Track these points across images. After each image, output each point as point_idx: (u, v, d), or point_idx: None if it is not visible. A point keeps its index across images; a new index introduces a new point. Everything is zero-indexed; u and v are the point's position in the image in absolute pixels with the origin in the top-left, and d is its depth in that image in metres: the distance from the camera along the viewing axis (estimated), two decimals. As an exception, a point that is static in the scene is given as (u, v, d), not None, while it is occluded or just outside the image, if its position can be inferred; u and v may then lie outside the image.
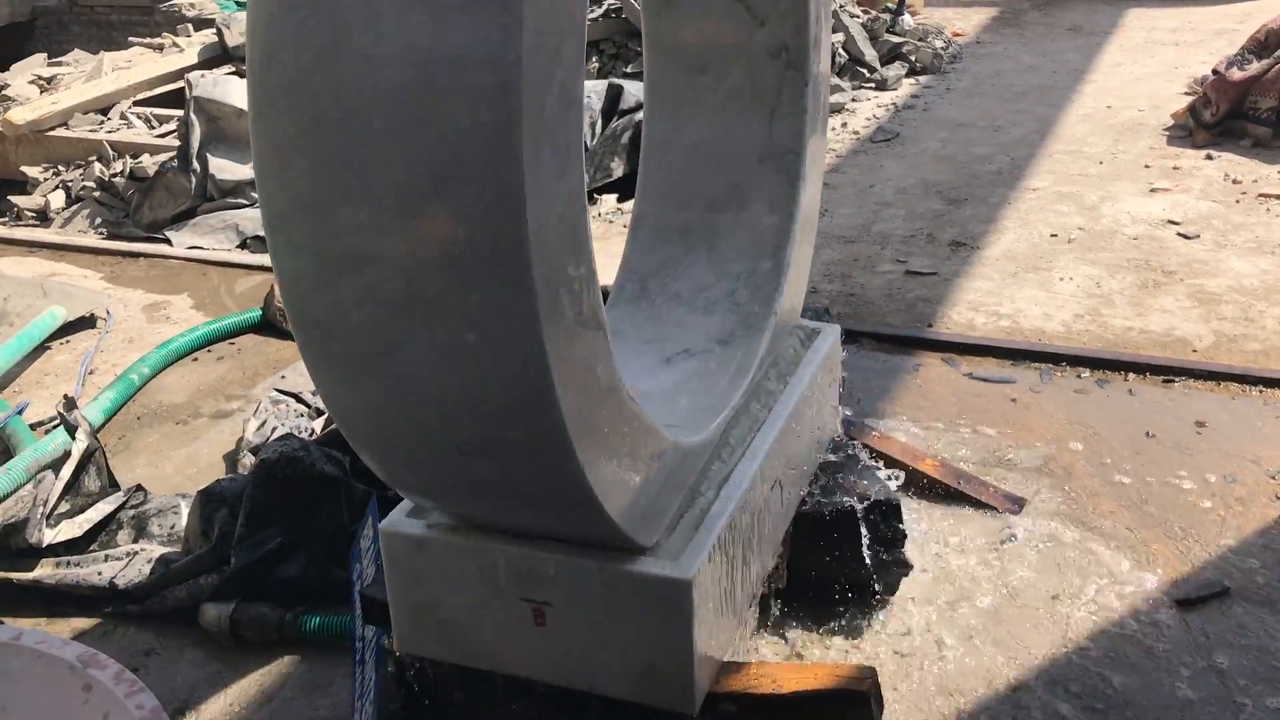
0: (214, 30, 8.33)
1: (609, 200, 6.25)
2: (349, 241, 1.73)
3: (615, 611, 2.19)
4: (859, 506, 2.86)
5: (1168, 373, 4.02)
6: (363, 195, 1.69)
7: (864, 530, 2.85)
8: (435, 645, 2.40)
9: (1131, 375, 4.04)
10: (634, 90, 6.50)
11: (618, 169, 6.28)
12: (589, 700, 2.34)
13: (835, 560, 2.87)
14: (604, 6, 7.80)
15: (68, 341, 4.92)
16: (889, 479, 3.08)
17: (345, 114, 1.65)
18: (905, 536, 2.92)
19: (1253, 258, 5.01)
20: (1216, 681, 2.68)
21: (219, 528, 3.17)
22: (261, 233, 5.84)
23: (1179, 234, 5.33)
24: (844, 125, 7.52)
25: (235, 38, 7.75)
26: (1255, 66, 6.62)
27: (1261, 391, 3.88)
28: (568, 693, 2.35)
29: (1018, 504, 3.34)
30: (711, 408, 2.60)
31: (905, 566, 2.93)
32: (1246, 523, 3.22)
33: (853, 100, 8.01)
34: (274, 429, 3.77)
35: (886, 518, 2.90)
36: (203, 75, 6.57)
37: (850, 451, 3.11)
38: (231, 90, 6.30)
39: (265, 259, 5.80)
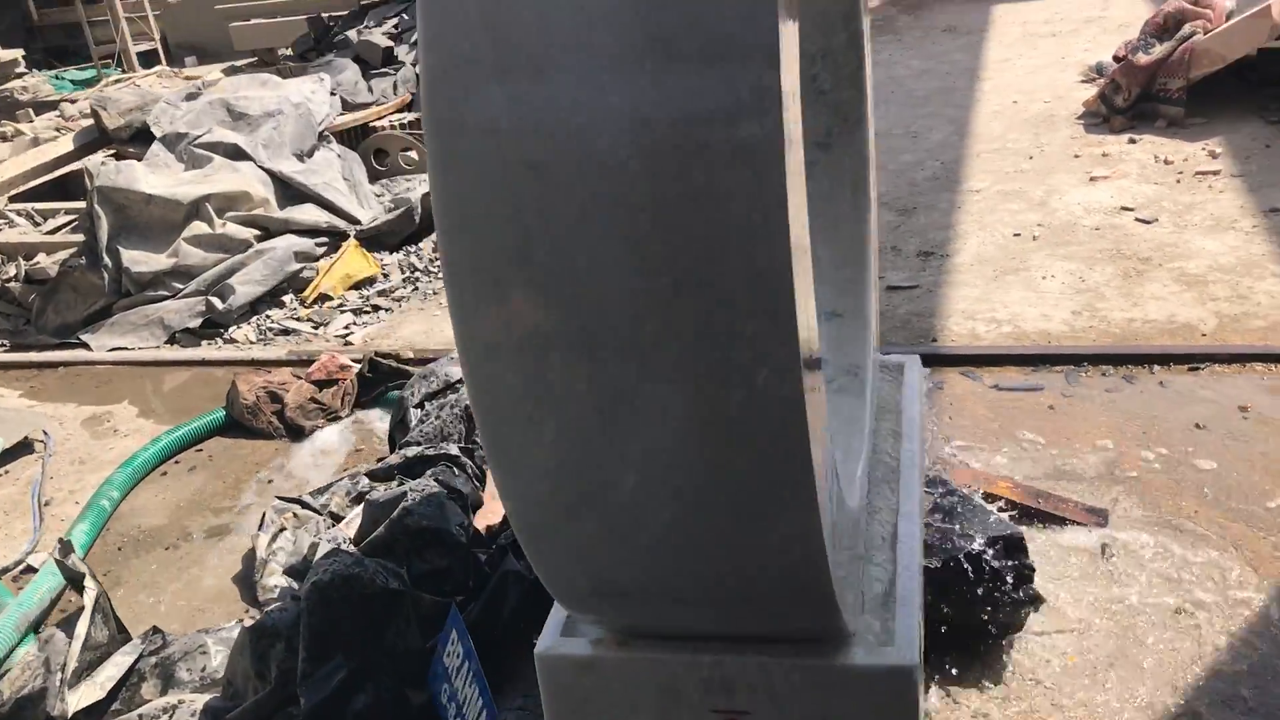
0: (89, 113, 7.78)
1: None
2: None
3: (828, 712, 1.98)
4: (985, 548, 2.71)
5: (1192, 360, 4.01)
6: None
7: (993, 569, 2.71)
8: (607, 774, 2.15)
9: (1157, 367, 4.02)
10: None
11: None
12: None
13: (968, 604, 2.72)
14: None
15: (6, 471, 4.45)
16: (998, 511, 2.95)
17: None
18: (1034, 570, 2.78)
19: (1217, 235, 5.08)
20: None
21: (277, 665, 2.83)
22: (193, 324, 5.44)
23: (1137, 219, 5.39)
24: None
25: (114, 119, 7.23)
26: (1160, 49, 6.80)
27: (1287, 368, 3.91)
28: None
29: (1102, 516, 3.25)
30: (845, 461, 2.41)
31: (1037, 601, 2.79)
32: (1332, 504, 3.20)
33: (763, 120, 7.95)
34: (293, 541, 3.43)
35: (1011, 553, 2.76)
36: (103, 163, 6.11)
37: (946, 487, 2.96)
38: (138, 176, 5.86)
39: (202, 353, 5.38)
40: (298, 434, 4.39)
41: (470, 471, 3.65)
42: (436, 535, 3.06)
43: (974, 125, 7.33)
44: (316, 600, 2.85)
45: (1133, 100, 6.80)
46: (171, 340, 5.61)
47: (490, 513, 3.54)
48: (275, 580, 3.35)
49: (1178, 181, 5.81)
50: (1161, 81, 6.74)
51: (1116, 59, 7.34)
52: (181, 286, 5.79)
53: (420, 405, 4.00)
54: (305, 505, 3.67)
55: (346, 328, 5.55)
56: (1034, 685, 2.70)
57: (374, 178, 7.04)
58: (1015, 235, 5.42)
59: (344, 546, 3.15)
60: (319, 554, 3.04)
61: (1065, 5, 10.62)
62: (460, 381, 4.04)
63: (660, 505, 1.69)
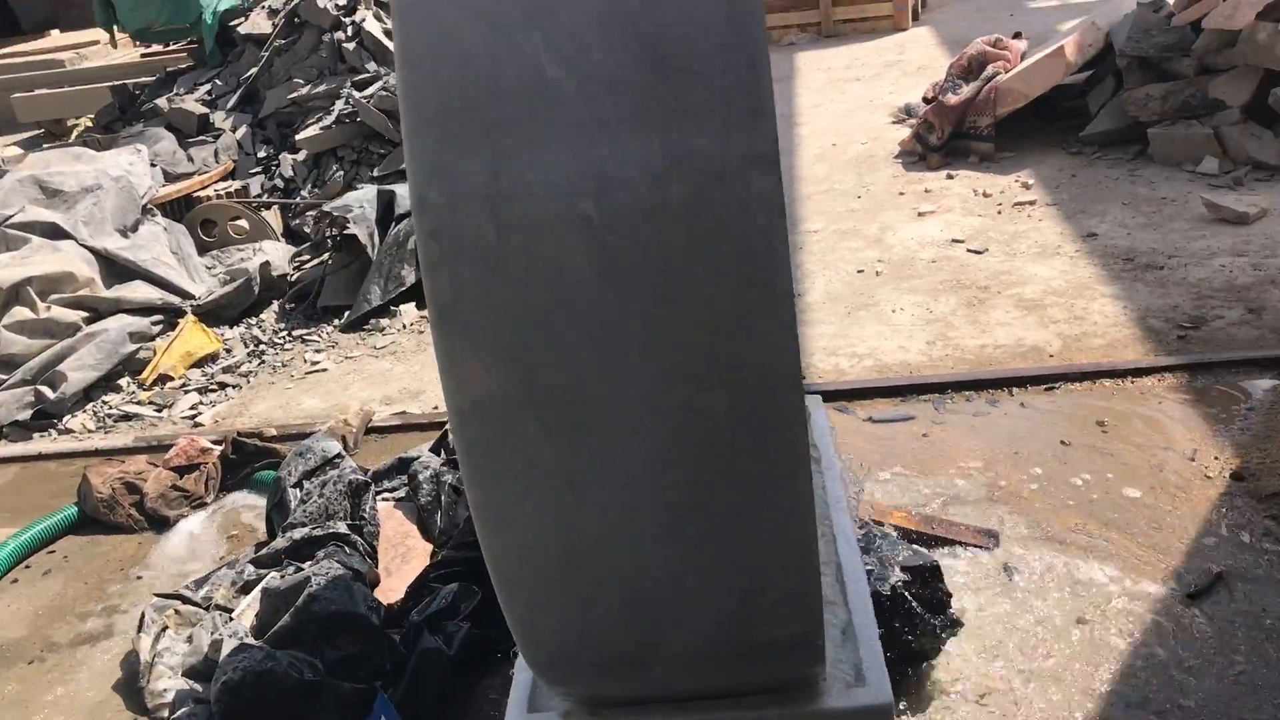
0: None
1: (409, 310, 5.90)
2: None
3: (802, 756, 1.99)
4: (904, 578, 2.79)
5: (1047, 380, 4.25)
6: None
7: (914, 597, 2.79)
8: None
9: (1015, 390, 4.24)
10: (406, 193, 6.21)
11: (409, 276, 5.96)
12: None
13: (893, 634, 2.78)
14: (334, 114, 7.43)
15: None
16: (908, 542, 3.04)
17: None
18: (951, 596, 2.87)
19: (1045, 261, 5.42)
20: (1260, 650, 2.81)
21: (192, 776, 2.66)
22: (21, 416, 5.09)
23: (969, 250, 5.70)
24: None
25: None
26: (967, 89, 7.23)
27: (1133, 382, 4.18)
28: None
29: (994, 537, 3.39)
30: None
31: (956, 625, 2.88)
32: (1196, 506, 3.43)
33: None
34: (183, 640, 3.23)
35: (928, 581, 2.85)
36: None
37: (857, 521, 3.03)
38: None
39: (36, 446, 5.03)
40: (161, 525, 4.14)
41: (362, 550, 3.53)
42: (348, 620, 2.94)
43: (799, 168, 7.61)
44: (229, 702, 2.69)
45: (946, 138, 7.20)
46: (-1, 435, 5.23)
47: (389, 590, 3.42)
48: (165, 684, 3.13)
49: (999, 213, 6.17)
50: (971, 120, 7.17)
51: (926, 100, 7.77)
52: (5, 377, 5.41)
53: (299, 484, 3.84)
54: (187, 600, 3.47)
55: (193, 408, 5.29)
56: (959, 705, 2.79)
57: (203, 250, 6.76)
58: (859, 272, 5.64)
59: (245, 640, 2.98)
60: (224, 651, 2.87)
61: (863, 51, 11.18)
62: (339, 457, 3.91)
63: (646, 553, 1.68)
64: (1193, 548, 3.26)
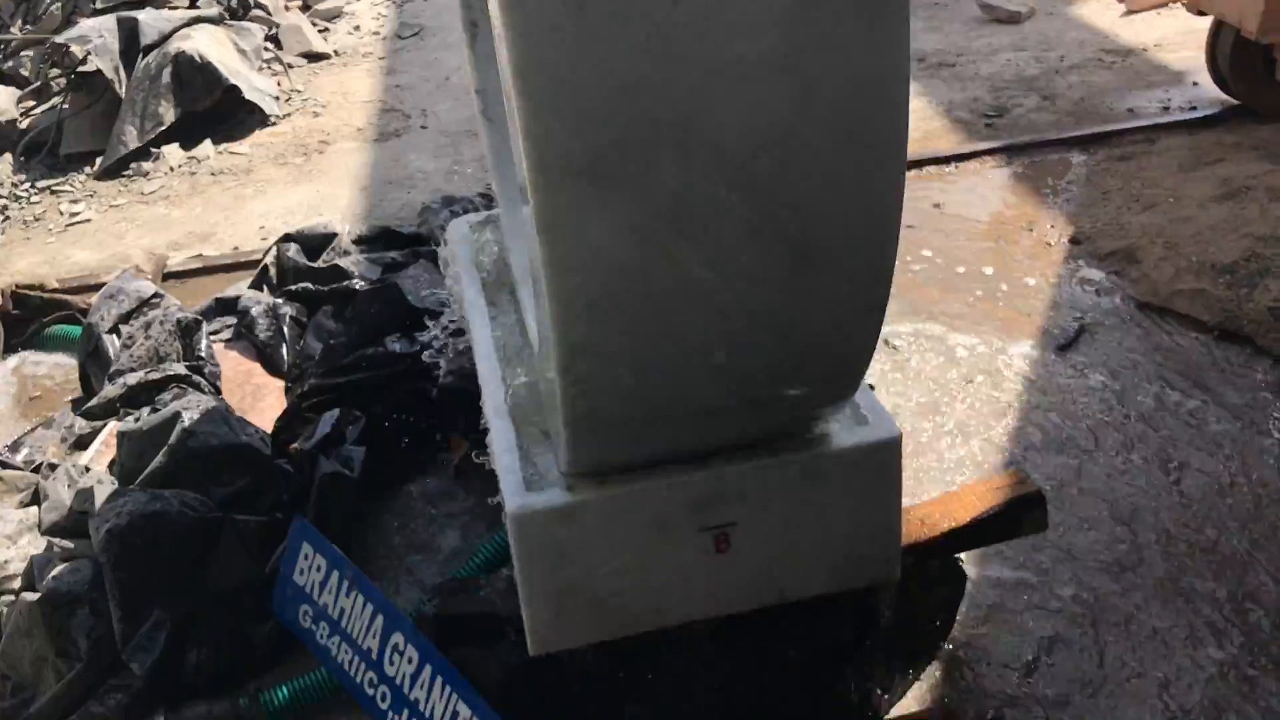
0: None
1: (173, 151, 5.30)
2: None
3: (815, 501, 1.93)
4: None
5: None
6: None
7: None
8: (585, 629, 1.97)
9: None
10: (150, 20, 5.53)
11: (168, 113, 5.34)
12: (748, 621, 2.07)
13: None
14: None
15: None
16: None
17: None
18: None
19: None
20: (1128, 384, 3.01)
21: (86, 636, 2.34)
22: None
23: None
24: (356, 28, 7.00)
25: None
26: None
27: (957, 167, 4.32)
28: (725, 622, 2.06)
29: (867, 314, 3.44)
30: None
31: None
32: (1046, 271, 3.60)
33: (347, 3, 7.45)
34: (16, 505, 2.82)
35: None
36: None
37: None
38: None
39: None
40: (-61, 396, 3.60)
41: (207, 390, 3.18)
42: (234, 452, 2.63)
43: None
44: (119, 551, 2.37)
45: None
46: None
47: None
48: (2, 555, 2.74)
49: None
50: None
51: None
52: None
53: (114, 330, 3.40)
54: (6, 465, 3.04)
55: (-64, 273, 4.59)
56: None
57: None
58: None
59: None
60: (99, 499, 2.50)
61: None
62: (157, 295, 3.49)
63: (732, 303, 1.55)
64: (1052, 307, 3.43)
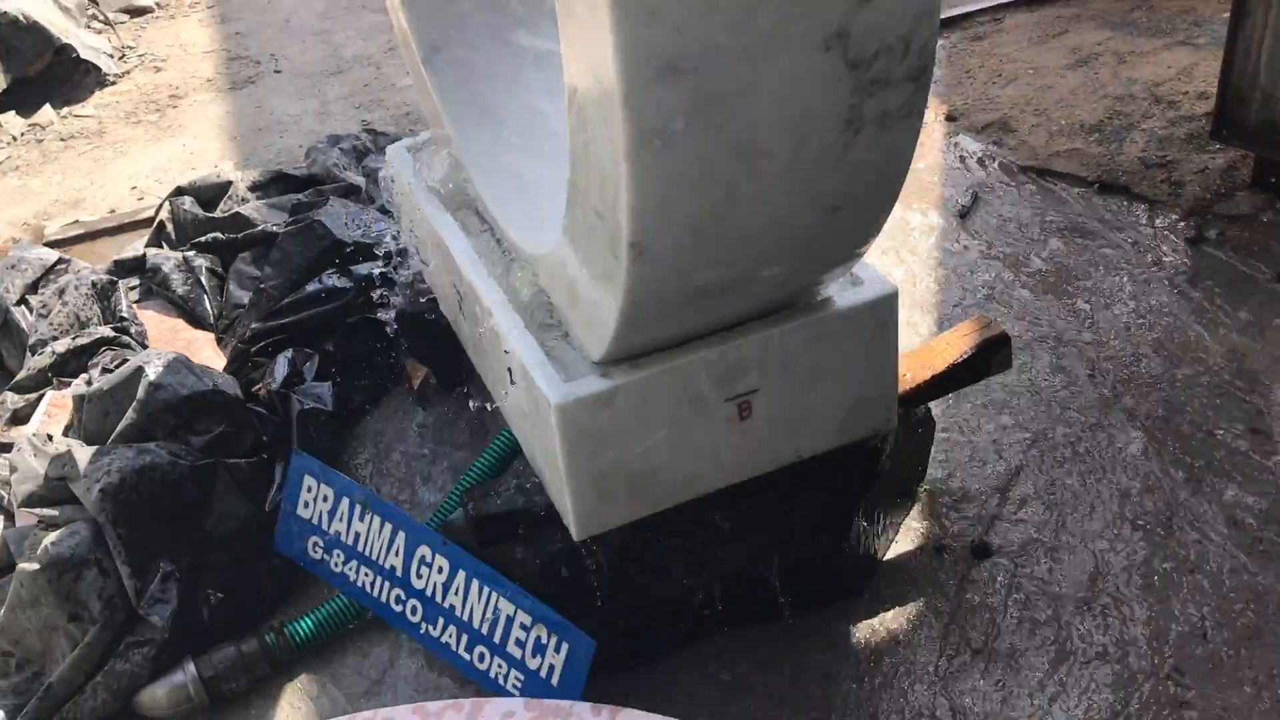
0: None
1: (12, 120, 4.99)
2: None
3: (824, 361, 2.08)
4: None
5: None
6: None
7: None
8: (625, 508, 2.07)
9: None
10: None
11: (-1, 81, 5.04)
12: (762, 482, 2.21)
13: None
14: None
15: None
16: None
17: None
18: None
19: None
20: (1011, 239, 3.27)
21: (99, 596, 2.30)
22: None
23: None
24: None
25: None
26: None
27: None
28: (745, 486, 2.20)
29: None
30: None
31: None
32: (932, 149, 3.82)
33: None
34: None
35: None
36: None
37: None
38: None
39: None
40: None
41: (138, 350, 3.10)
42: (206, 399, 2.59)
43: None
44: (115, 508, 2.33)
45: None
46: None
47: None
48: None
49: None
50: None
51: None
52: None
53: (22, 301, 3.26)
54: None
55: None
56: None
57: None
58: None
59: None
60: (82, 462, 2.43)
61: None
62: (63, 261, 3.36)
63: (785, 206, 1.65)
64: (945, 180, 3.66)
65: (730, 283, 1.85)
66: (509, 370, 2.16)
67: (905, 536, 2.48)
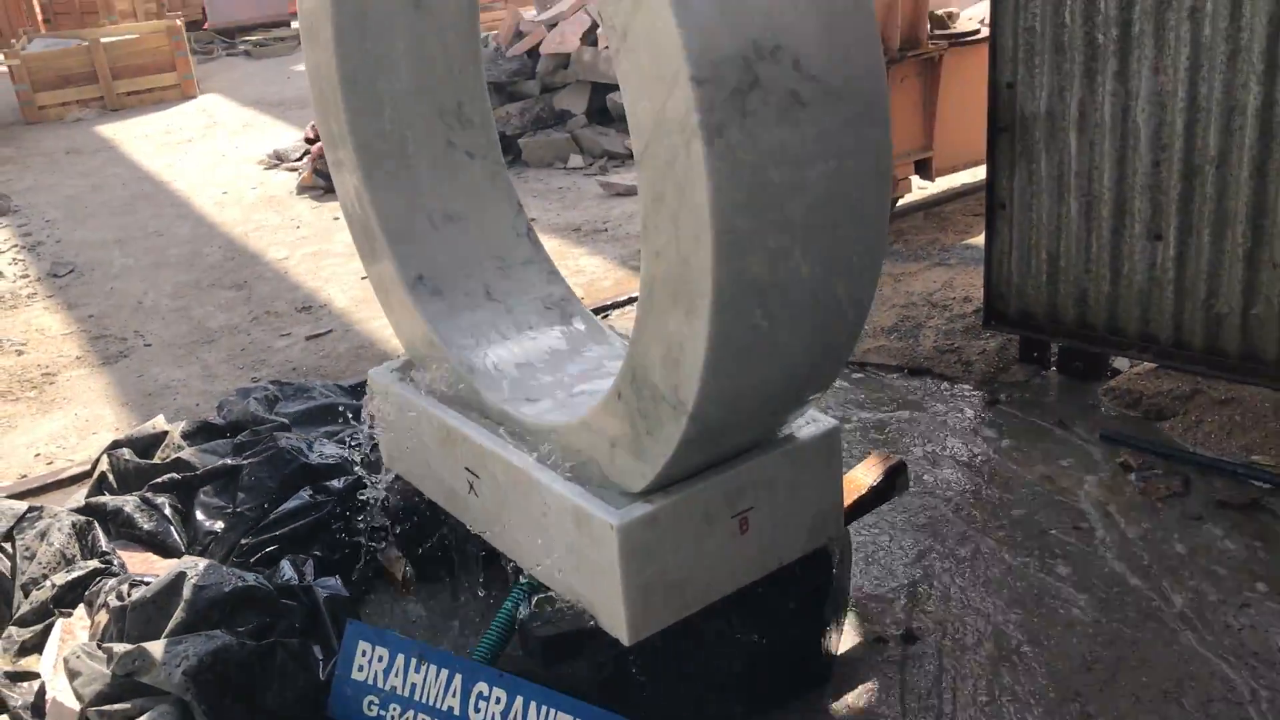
0: None
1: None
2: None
3: (798, 481, 2.73)
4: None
5: (608, 310, 5.23)
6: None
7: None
8: (664, 613, 2.59)
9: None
10: None
11: None
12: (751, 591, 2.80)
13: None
14: None
15: None
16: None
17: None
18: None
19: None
20: (855, 411, 4.10)
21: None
22: None
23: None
24: (0, 275, 6.92)
25: None
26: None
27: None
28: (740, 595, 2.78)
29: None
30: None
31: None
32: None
33: (-30, 254, 7.30)
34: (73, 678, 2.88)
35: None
36: None
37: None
38: None
39: None
40: None
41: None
42: (247, 594, 2.92)
43: (213, 217, 7.71)
44: (198, 687, 2.63)
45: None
46: None
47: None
48: None
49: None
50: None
51: (309, 140, 8.32)
52: None
53: (-3, 550, 3.45)
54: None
55: None
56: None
57: None
58: (363, 278, 6.13)
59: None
60: (158, 651, 2.66)
61: (168, 118, 11.23)
62: (34, 508, 3.58)
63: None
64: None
65: (745, 429, 2.51)
66: (543, 515, 2.69)
67: (848, 632, 3.09)
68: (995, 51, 4.07)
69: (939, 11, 5.80)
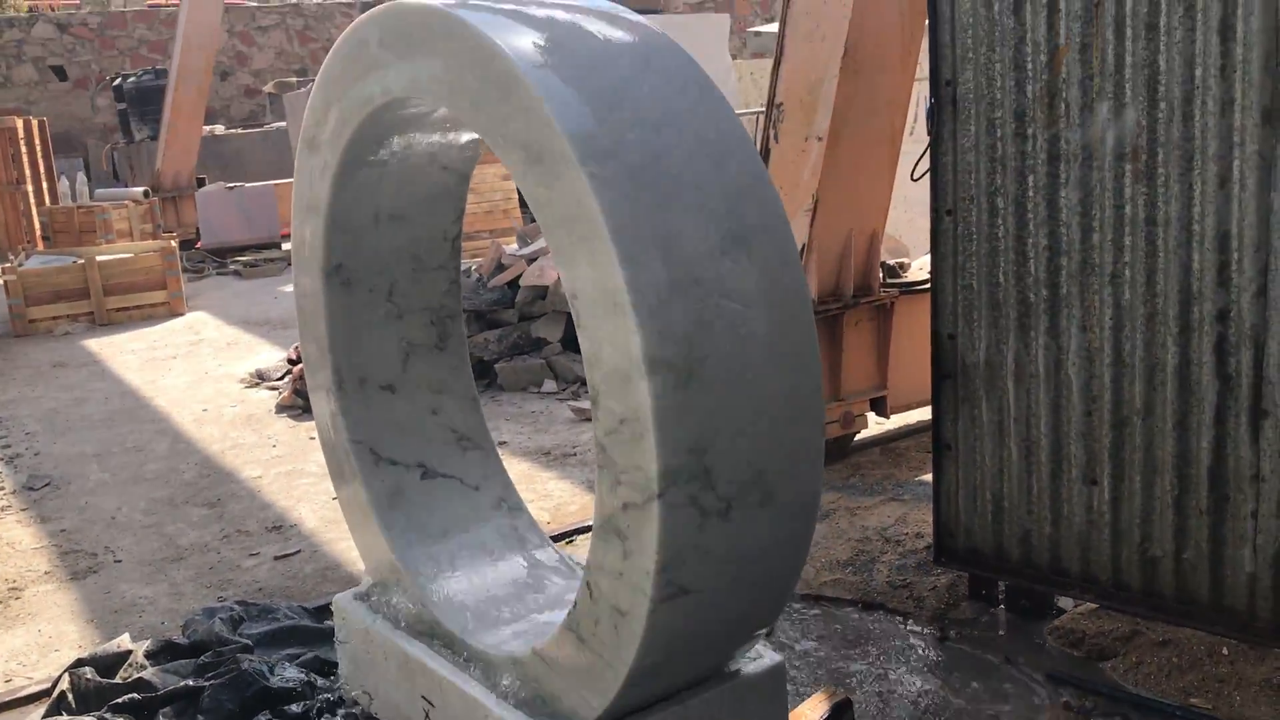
0: None
1: None
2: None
3: (744, 715, 2.84)
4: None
5: (569, 535, 5.37)
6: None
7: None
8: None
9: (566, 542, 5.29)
10: None
11: None
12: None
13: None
14: None
15: None
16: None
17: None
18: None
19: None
20: (814, 647, 4.19)
21: None
22: None
23: (416, 469, 6.64)
24: (-29, 487, 7.00)
25: None
26: (339, 347, 8.24)
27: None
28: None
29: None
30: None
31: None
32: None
33: (-52, 464, 7.40)
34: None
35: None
36: None
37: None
38: None
39: None
40: None
41: None
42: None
43: (192, 433, 7.88)
44: None
45: (328, 390, 8.10)
46: None
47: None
48: None
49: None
50: (347, 372, 8.17)
51: (291, 360, 8.60)
52: None
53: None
54: None
55: None
56: None
57: None
58: (334, 497, 6.26)
59: None
60: None
61: (154, 334, 11.55)
62: None
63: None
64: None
65: (691, 668, 2.65)
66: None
67: None
68: (936, 305, 4.39)
69: (891, 261, 6.22)
